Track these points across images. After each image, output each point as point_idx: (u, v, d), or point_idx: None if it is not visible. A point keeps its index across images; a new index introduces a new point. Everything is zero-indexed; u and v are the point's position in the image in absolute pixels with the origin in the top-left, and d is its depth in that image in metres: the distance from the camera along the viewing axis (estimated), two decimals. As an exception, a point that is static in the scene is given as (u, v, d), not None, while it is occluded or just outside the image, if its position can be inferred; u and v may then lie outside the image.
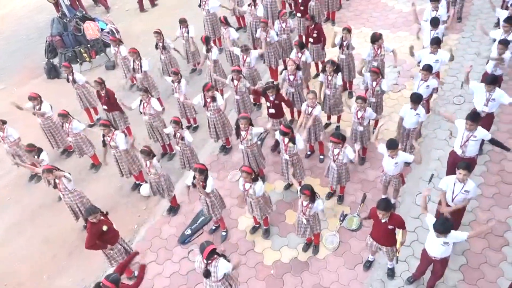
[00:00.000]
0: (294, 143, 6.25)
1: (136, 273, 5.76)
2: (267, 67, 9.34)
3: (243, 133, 6.62)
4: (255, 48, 9.54)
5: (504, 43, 6.98)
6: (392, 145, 5.67)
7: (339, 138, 5.98)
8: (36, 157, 7.20)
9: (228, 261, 4.96)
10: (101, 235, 5.49)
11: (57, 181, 6.40)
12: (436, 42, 7.33)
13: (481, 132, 5.76)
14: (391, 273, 5.73)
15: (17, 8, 16.07)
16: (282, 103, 7.20)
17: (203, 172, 5.79)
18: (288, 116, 8.13)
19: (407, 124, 6.64)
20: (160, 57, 9.45)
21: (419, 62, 7.81)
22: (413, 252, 5.91)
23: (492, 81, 6.31)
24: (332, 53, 8.82)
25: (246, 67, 8.26)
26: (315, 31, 8.55)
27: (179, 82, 7.97)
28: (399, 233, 5.15)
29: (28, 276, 6.68)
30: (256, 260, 6.24)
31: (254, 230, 6.61)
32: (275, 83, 7.57)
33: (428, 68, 6.81)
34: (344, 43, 8.04)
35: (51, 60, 11.43)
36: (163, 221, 7.08)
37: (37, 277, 6.63)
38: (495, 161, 6.96)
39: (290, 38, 9.23)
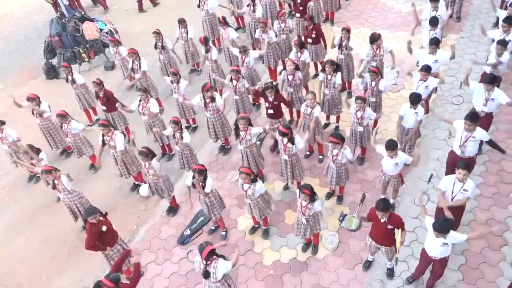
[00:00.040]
0: (293, 143, 6.25)
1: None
2: (266, 67, 9.34)
3: (242, 133, 6.62)
4: (254, 49, 9.54)
5: (502, 43, 6.98)
6: (391, 145, 5.67)
7: (338, 138, 5.99)
8: (33, 158, 7.20)
9: (227, 260, 4.96)
10: (100, 235, 5.49)
11: (56, 181, 6.39)
12: (435, 43, 7.33)
13: (480, 133, 5.77)
14: (390, 273, 5.73)
15: (16, 8, 16.03)
16: (281, 104, 7.19)
17: (202, 172, 5.80)
18: (287, 116, 8.13)
19: (406, 123, 6.64)
20: (159, 57, 9.44)
21: (418, 62, 7.81)
22: (412, 252, 5.92)
23: (491, 80, 6.31)
24: (331, 53, 8.83)
25: (245, 68, 8.26)
26: (314, 32, 8.55)
27: (178, 82, 7.96)
28: (398, 233, 5.15)
29: (28, 276, 6.68)
30: (255, 260, 6.25)
31: (253, 230, 6.61)
32: (274, 83, 7.56)
33: (426, 69, 6.81)
34: (343, 43, 8.05)
35: (50, 61, 11.41)
36: (163, 221, 7.07)
37: (37, 277, 6.63)
38: (494, 161, 6.97)
39: (289, 39, 9.22)
